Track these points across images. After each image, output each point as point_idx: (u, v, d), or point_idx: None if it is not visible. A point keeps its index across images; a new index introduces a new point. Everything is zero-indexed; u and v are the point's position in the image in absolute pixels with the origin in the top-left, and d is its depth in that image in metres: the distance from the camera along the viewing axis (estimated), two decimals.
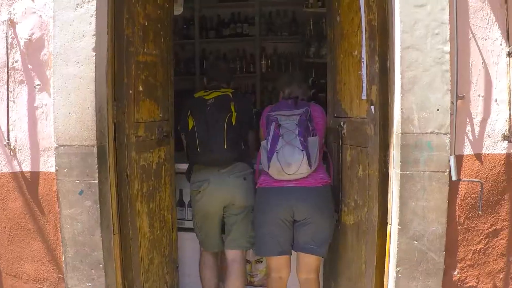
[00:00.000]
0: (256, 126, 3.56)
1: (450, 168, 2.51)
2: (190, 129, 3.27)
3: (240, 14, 6.56)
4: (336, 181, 3.26)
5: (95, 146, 2.66)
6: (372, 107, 2.75)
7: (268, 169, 3.07)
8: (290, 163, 3.00)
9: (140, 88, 3.03)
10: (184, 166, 3.60)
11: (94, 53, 2.62)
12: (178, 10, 4.09)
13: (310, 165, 3.03)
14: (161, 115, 3.34)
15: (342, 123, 3.13)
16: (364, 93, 2.83)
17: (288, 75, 3.59)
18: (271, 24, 6.49)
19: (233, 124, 3.24)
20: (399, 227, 2.56)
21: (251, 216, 3.36)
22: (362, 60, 2.83)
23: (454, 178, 2.48)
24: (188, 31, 6.61)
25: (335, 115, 3.30)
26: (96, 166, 2.67)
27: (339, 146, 3.17)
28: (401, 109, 2.48)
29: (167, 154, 3.44)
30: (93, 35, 2.62)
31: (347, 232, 3.15)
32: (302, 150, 3.01)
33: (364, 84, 2.83)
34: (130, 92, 2.91)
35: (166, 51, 3.41)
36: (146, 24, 3.08)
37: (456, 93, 2.46)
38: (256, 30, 6.46)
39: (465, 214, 2.61)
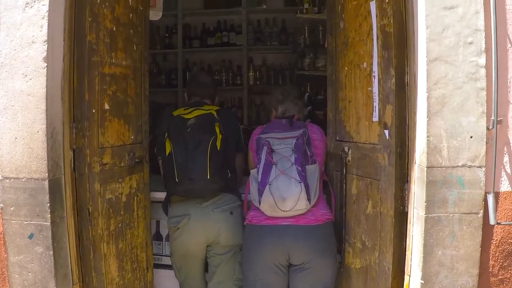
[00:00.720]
0: (244, 149, 3.08)
1: (486, 208, 2.04)
2: (167, 154, 2.75)
3: (226, 22, 6.13)
4: (338, 216, 2.78)
5: (46, 180, 2.14)
6: (387, 131, 2.28)
7: (259, 204, 2.57)
8: (285, 198, 2.50)
9: (106, 106, 2.52)
10: (161, 195, 3.09)
11: (46, 64, 2.11)
12: (156, 15, 3.62)
13: (309, 199, 2.54)
14: (132, 137, 2.83)
15: (346, 149, 2.65)
16: (376, 114, 2.36)
17: (282, 91, 3.07)
18: (259, 33, 6.07)
19: (218, 148, 2.73)
20: (422, 282, 2.07)
21: (239, 256, 2.86)
22: (373, 74, 2.36)
23: (492, 221, 2.01)
24: (171, 39, 6.15)
25: (338, 138, 2.82)
26: (48, 204, 2.15)
27: (343, 175, 2.69)
28: (427, 137, 2.00)
29: (140, 183, 2.92)
30: (44, 42, 2.11)
31: (352, 277, 2.66)
32: (299, 182, 2.51)
33: (376, 103, 2.36)
34: (93, 111, 2.40)
35: (139, 61, 2.91)
36: (114, 29, 2.58)
37: (496, 116, 1.99)
38: (244, 39, 6.01)
39: (500, 263, 2.15)
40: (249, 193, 2.74)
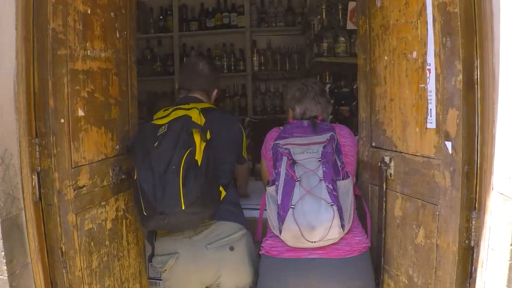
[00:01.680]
0: (246, 160, 2.57)
1: None
2: (135, 178, 2.12)
3: (226, 2, 5.55)
4: (375, 240, 2.24)
5: None
6: (449, 143, 1.72)
7: (280, 233, 2.03)
8: (314, 226, 1.95)
9: (80, 112, 1.96)
10: None
11: None
12: None
13: (343, 225, 1.99)
14: (117, 147, 2.28)
15: (387, 159, 2.10)
16: (432, 119, 1.80)
17: (299, 86, 2.47)
18: (263, 13, 5.53)
19: (199, 163, 2.06)
20: None
21: None
22: (428, 67, 1.80)
23: None
24: (166, 22, 5.61)
25: (374, 144, 2.27)
26: (3, 252, 1.60)
27: (382, 191, 2.14)
28: None
29: (129, 202, 2.38)
30: None
31: None
32: (331, 205, 1.97)
33: (432, 105, 1.80)
34: (62, 121, 1.84)
35: (124, 52, 2.35)
36: (89, 11, 2.02)
37: None
38: (246, 21, 5.47)
39: None
40: (265, 209, 2.20)
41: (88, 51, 2.02)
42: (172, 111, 2.24)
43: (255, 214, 2.39)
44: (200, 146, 2.06)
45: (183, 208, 1.98)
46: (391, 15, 2.05)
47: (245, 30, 5.46)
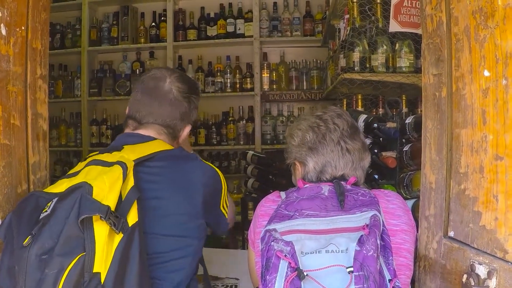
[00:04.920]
0: (227, 227, 1.63)
1: None
2: None
3: (232, 6, 4.69)
4: None
5: None
6: None
7: None
8: None
9: None
10: None
11: None
12: None
13: None
14: None
15: (483, 271, 1.08)
16: None
17: (312, 121, 1.42)
18: (276, 19, 4.62)
19: (102, 281, 1.08)
20: None
21: None
22: None
23: None
24: (159, 30, 4.76)
25: (452, 234, 1.24)
26: None
27: None
28: None
29: None
30: None
31: None
32: None
33: None
34: None
35: (20, 61, 1.39)
36: None
37: None
38: (255, 29, 4.58)
39: None
40: None
41: None
42: (84, 167, 1.26)
43: None
44: (105, 246, 1.09)
45: None
46: None
47: (254, 41, 4.58)
